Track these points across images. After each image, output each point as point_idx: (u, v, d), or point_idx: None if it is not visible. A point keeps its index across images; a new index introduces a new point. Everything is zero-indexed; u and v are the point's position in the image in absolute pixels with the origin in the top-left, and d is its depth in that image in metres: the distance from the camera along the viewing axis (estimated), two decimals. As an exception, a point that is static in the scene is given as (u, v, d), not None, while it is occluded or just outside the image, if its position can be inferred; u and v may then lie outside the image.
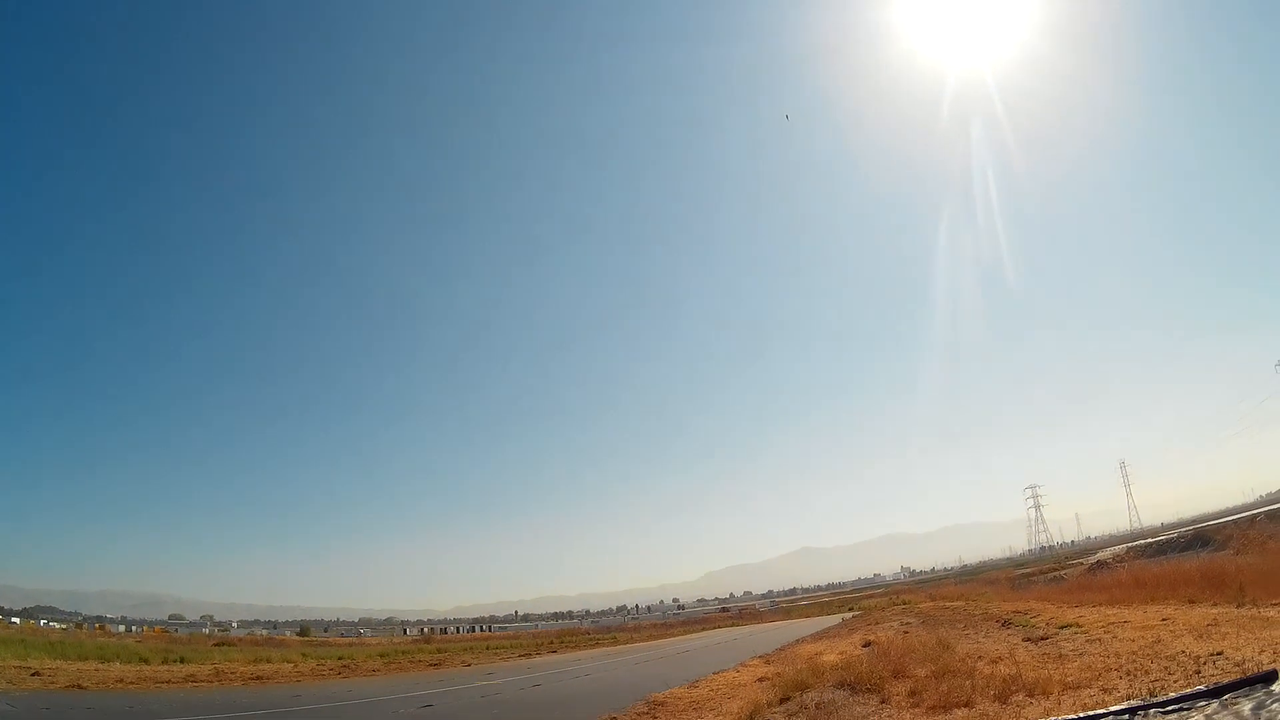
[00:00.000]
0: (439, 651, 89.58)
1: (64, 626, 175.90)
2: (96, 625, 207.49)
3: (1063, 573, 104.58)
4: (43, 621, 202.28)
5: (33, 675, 41.12)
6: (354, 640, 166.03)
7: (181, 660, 61.78)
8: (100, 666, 51.07)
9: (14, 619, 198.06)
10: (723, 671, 36.46)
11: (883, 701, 20.80)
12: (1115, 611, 35.65)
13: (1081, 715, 14.12)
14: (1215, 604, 31.18)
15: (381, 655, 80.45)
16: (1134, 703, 14.02)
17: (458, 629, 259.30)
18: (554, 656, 72.16)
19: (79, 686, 37.82)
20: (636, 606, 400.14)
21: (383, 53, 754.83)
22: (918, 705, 19.22)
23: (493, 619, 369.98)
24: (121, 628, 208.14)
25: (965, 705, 18.03)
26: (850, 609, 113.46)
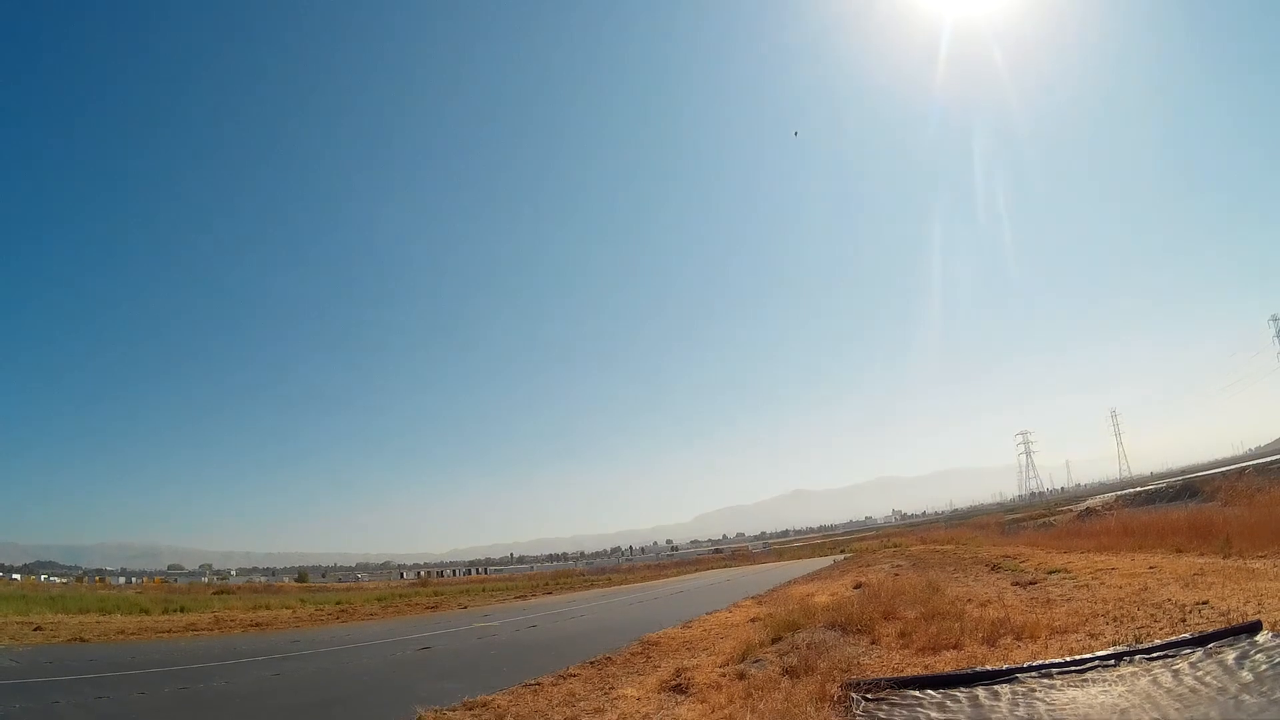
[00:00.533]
0: (435, 595, 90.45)
1: (64, 581, 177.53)
2: (96, 578, 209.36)
3: (1052, 519, 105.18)
4: (43, 576, 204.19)
5: (35, 630, 41.66)
6: (351, 585, 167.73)
7: (182, 610, 62.55)
8: (101, 619, 51.69)
9: (15, 575, 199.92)
10: (715, 612, 36.86)
11: (873, 643, 21.15)
12: (1103, 558, 36.13)
13: (1068, 659, 14.65)
14: (1202, 554, 31.62)
15: (379, 599, 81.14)
16: (1120, 648, 14.54)
17: (454, 572, 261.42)
18: (549, 598, 72.80)
19: (81, 639, 38.33)
20: (630, 548, 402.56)
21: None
22: (907, 647, 19.56)
23: (488, 562, 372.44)
24: (121, 580, 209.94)
25: (954, 647, 18.37)
26: (842, 551, 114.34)
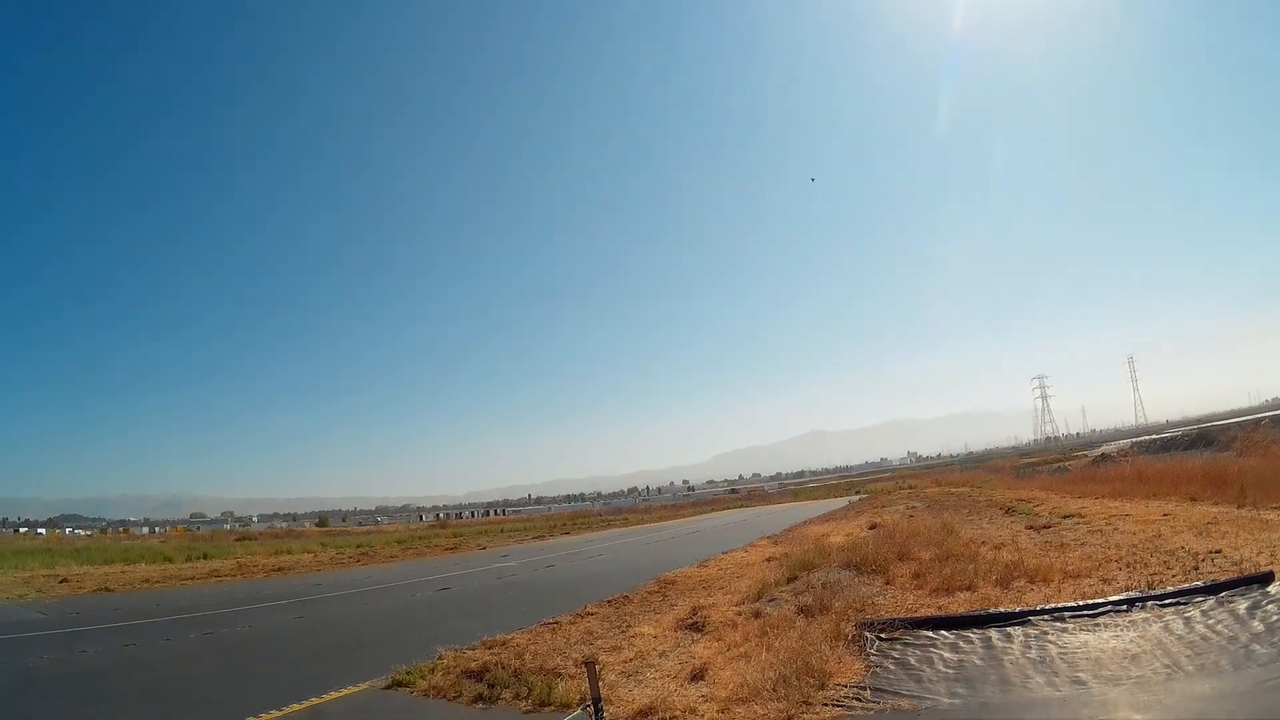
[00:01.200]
0: (454, 536, 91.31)
1: (89, 533, 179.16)
2: (120, 529, 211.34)
3: (1067, 464, 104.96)
4: (68, 530, 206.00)
5: (61, 582, 42.36)
6: (371, 528, 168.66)
7: (205, 557, 63.58)
8: (126, 569, 52.53)
9: (40, 529, 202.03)
10: (731, 551, 37.11)
11: (887, 583, 21.38)
12: (1117, 504, 36.22)
13: (1081, 603, 14.83)
14: (1216, 503, 31.64)
15: (399, 542, 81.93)
16: (1133, 594, 14.74)
17: (472, 514, 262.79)
18: (567, 538, 73.56)
19: (107, 589, 38.96)
20: (647, 488, 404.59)
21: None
22: (921, 587, 19.78)
23: (506, 503, 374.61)
24: (145, 530, 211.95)
25: (967, 589, 18.58)
26: (857, 492, 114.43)
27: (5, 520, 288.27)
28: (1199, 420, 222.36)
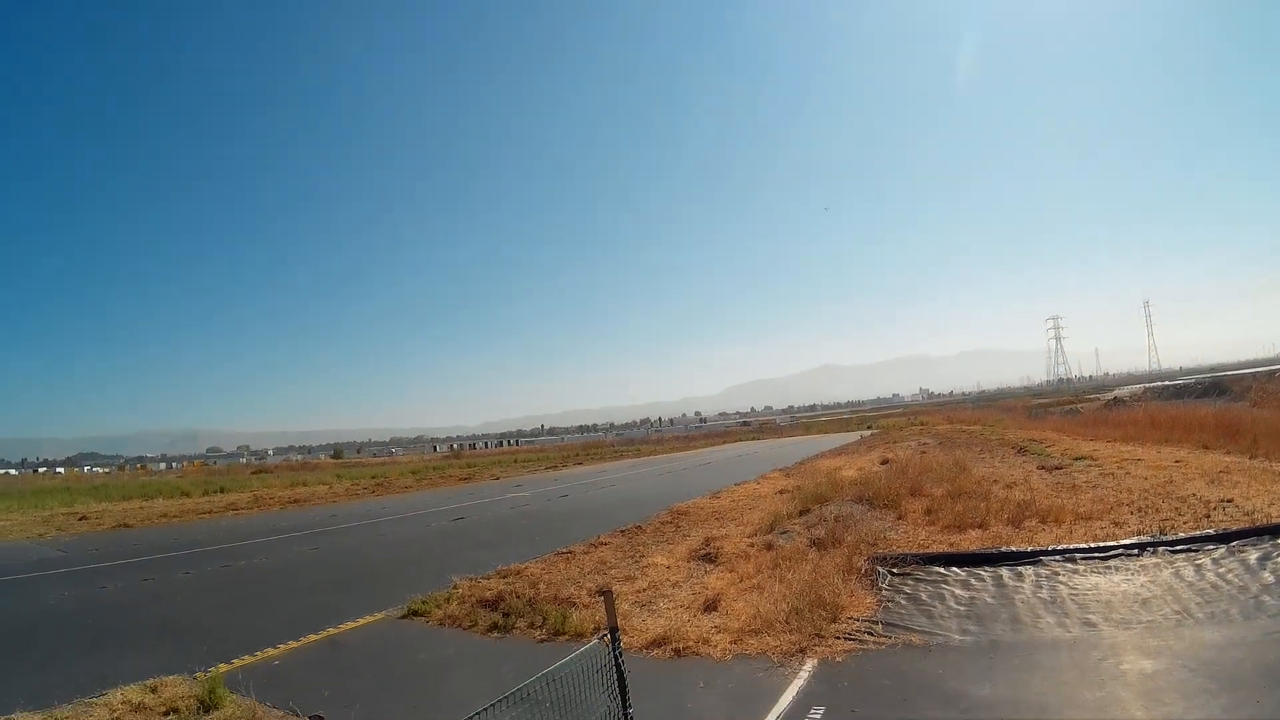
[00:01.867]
0: (468, 466, 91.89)
1: (107, 471, 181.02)
2: (138, 465, 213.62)
3: (1079, 406, 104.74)
4: (86, 468, 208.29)
5: (80, 520, 42.88)
6: (386, 459, 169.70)
7: (221, 490, 64.41)
8: (144, 504, 53.23)
9: (58, 468, 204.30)
10: (743, 483, 37.23)
11: (899, 518, 21.53)
12: (1129, 449, 36.27)
13: (1092, 545, 14.97)
14: (1228, 453, 31.65)
15: (413, 472, 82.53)
16: (1144, 538, 14.86)
17: (486, 444, 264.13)
18: (579, 469, 73.84)
19: (125, 525, 39.43)
20: (659, 420, 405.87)
21: None
22: (934, 524, 19.91)
23: (519, 434, 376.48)
24: (162, 465, 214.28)
25: (979, 526, 18.70)
26: (869, 427, 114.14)
27: (24, 460, 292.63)
28: (1213, 368, 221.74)
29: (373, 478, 74.55)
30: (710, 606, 13.64)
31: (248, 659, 12.88)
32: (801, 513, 23.37)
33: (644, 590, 15.59)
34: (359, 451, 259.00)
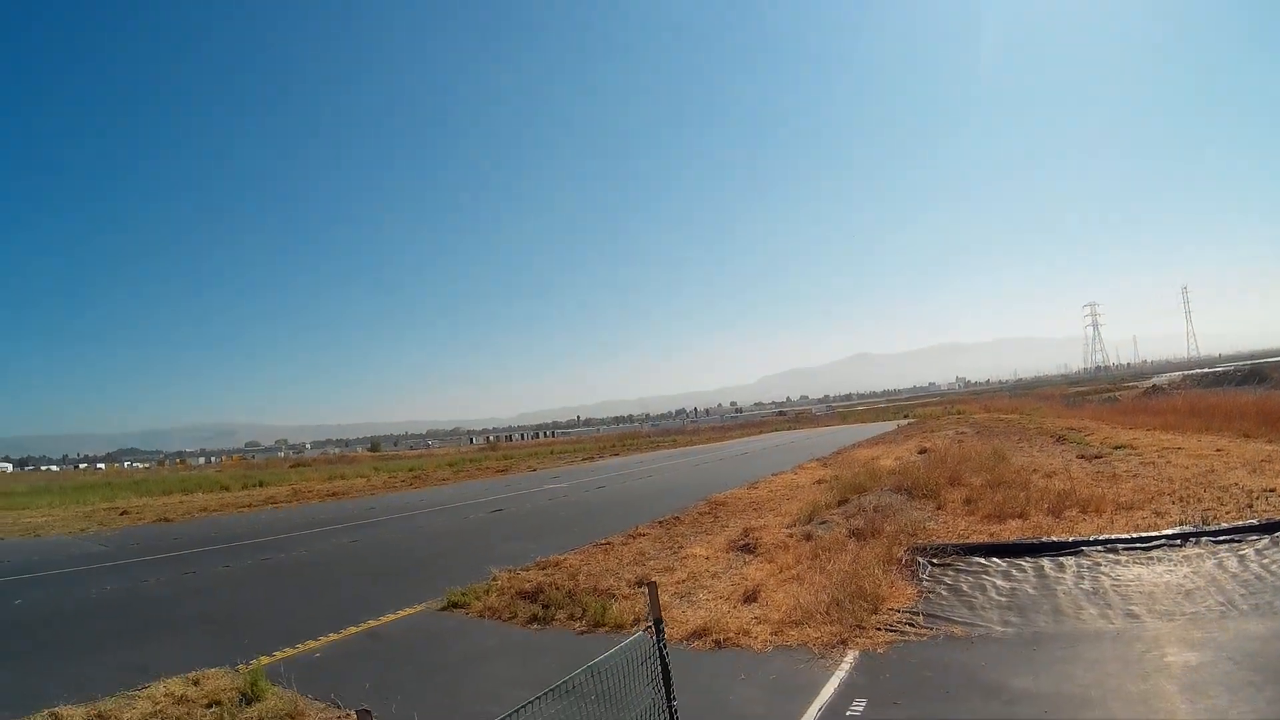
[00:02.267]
0: (505, 458, 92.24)
1: (146, 466, 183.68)
2: (177, 460, 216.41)
3: (1117, 394, 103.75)
4: (126, 463, 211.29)
5: (121, 514, 43.39)
6: (422, 452, 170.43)
7: (260, 484, 64.99)
8: (184, 498, 53.78)
9: (99, 464, 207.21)
10: (781, 473, 37.25)
11: (939, 508, 21.46)
12: (1169, 437, 35.91)
13: (1134, 535, 14.90)
14: (1270, 441, 31.26)
15: (450, 464, 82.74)
16: (1186, 528, 14.78)
17: (522, 436, 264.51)
18: (616, 459, 73.95)
19: (166, 519, 39.85)
20: (695, 410, 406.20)
21: None
22: (973, 513, 19.83)
23: (556, 425, 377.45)
24: (201, 460, 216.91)
25: (1019, 516, 18.62)
26: (905, 416, 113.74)
27: (65, 456, 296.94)
28: (1252, 356, 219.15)
29: (410, 470, 74.87)
30: (750, 597, 13.68)
31: (288, 651, 13.02)
32: (840, 503, 23.34)
33: (683, 581, 15.65)
34: (396, 445, 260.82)
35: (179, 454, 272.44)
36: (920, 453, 38.62)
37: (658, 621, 7.48)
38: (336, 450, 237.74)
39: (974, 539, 16.61)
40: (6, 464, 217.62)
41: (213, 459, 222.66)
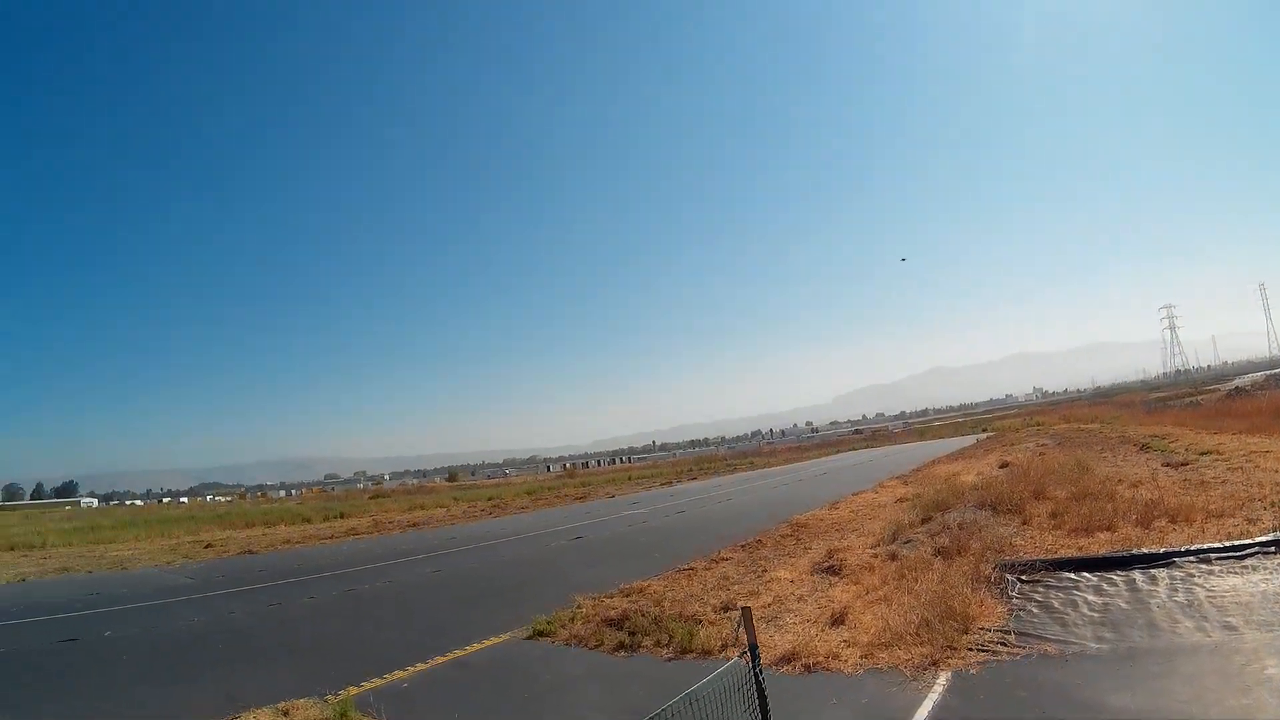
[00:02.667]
0: (583, 485, 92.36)
1: (229, 499, 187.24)
2: (259, 494, 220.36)
3: (1199, 398, 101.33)
4: (209, 497, 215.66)
5: (206, 547, 44.31)
6: (500, 480, 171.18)
7: (341, 516, 65.93)
8: (267, 531, 54.77)
9: (182, 498, 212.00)
10: (861, 493, 37.03)
11: (1024, 523, 21.19)
12: (1256, 440, 35.06)
13: (1227, 544, 14.66)
14: (1362, 441, 30.50)
15: (528, 493, 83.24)
16: (1280, 534, 14.39)
17: (599, 462, 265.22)
18: (694, 483, 73.78)
19: (250, 551, 40.57)
20: (770, 431, 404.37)
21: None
22: (1059, 527, 19.58)
23: (631, 450, 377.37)
24: (282, 493, 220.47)
25: (1107, 529, 18.35)
26: (983, 429, 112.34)
27: (149, 491, 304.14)
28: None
29: (489, 499, 75.47)
30: (838, 620, 13.65)
31: (376, 681, 13.21)
32: (923, 521, 23.20)
33: (769, 605, 15.64)
34: (473, 474, 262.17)
35: (259, 487, 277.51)
36: (1001, 467, 38.18)
37: (753, 647, 7.53)
38: (415, 481, 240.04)
39: (1062, 553, 16.42)
40: (93, 499, 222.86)
41: (293, 491, 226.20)
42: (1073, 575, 14.66)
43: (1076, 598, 13.29)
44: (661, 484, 78.34)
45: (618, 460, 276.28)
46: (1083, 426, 71.43)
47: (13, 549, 46.18)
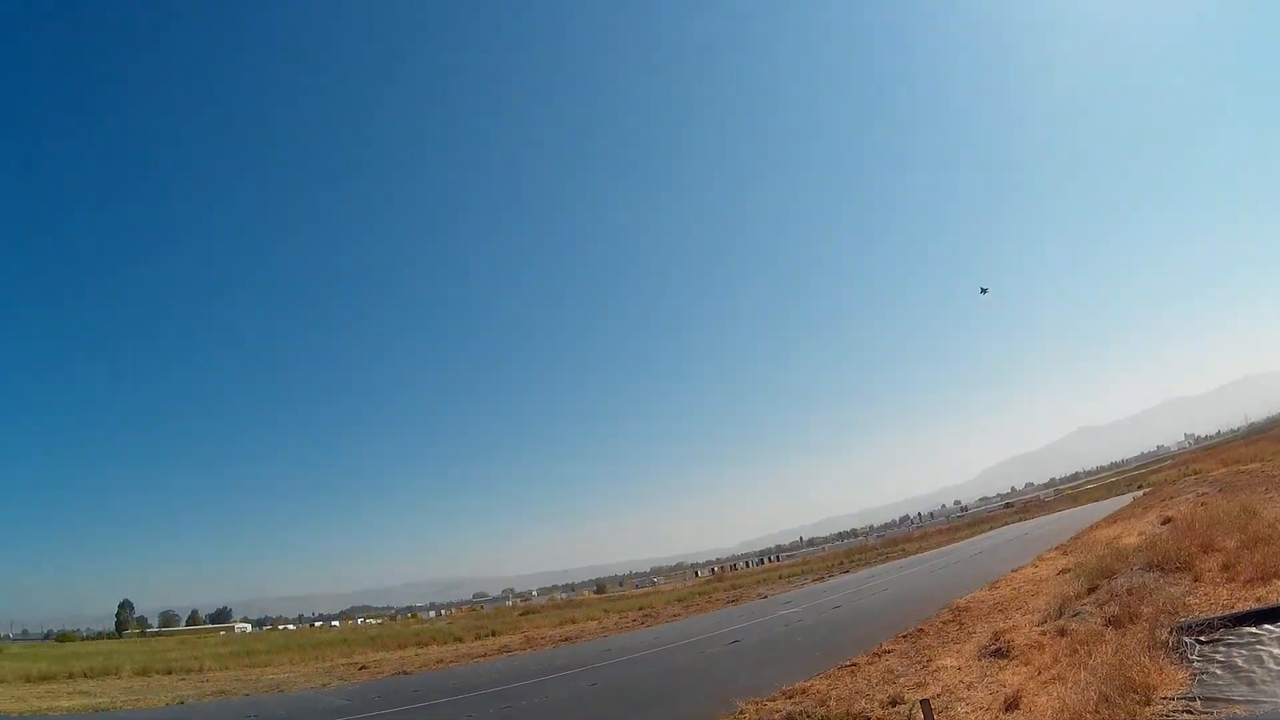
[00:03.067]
0: (734, 588, 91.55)
1: (379, 621, 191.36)
2: (409, 614, 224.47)
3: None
4: (360, 619, 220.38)
5: (360, 669, 44.95)
6: (649, 589, 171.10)
7: (493, 633, 66.46)
8: (420, 651, 55.42)
9: (334, 621, 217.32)
10: (1020, 568, 36.15)
11: (1195, 580, 20.36)
12: None
13: None
14: None
15: (679, 599, 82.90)
16: None
17: (747, 563, 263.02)
18: (847, 576, 72.66)
19: (404, 672, 41.07)
20: (919, 514, 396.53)
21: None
22: (1233, 580, 18.77)
23: (779, 548, 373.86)
24: (431, 613, 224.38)
25: (1284, 575, 17.55)
26: (1139, 486, 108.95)
27: (301, 615, 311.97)
28: None
29: (639, 609, 75.28)
30: (1012, 705, 13.26)
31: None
32: (1089, 590, 22.51)
33: (938, 695, 15.28)
34: (621, 584, 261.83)
35: (409, 608, 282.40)
36: (1164, 523, 36.81)
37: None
38: (563, 595, 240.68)
39: (1240, 607, 15.71)
40: (246, 624, 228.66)
41: (442, 611, 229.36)
42: (1254, 629, 13.99)
43: (1261, 653, 12.67)
44: (814, 580, 77.27)
45: (766, 559, 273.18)
46: (1242, 468, 68.65)
47: (170, 673, 47.38)
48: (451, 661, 44.67)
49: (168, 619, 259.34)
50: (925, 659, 19.26)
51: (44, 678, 44.25)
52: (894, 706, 14.74)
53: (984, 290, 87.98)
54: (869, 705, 15.41)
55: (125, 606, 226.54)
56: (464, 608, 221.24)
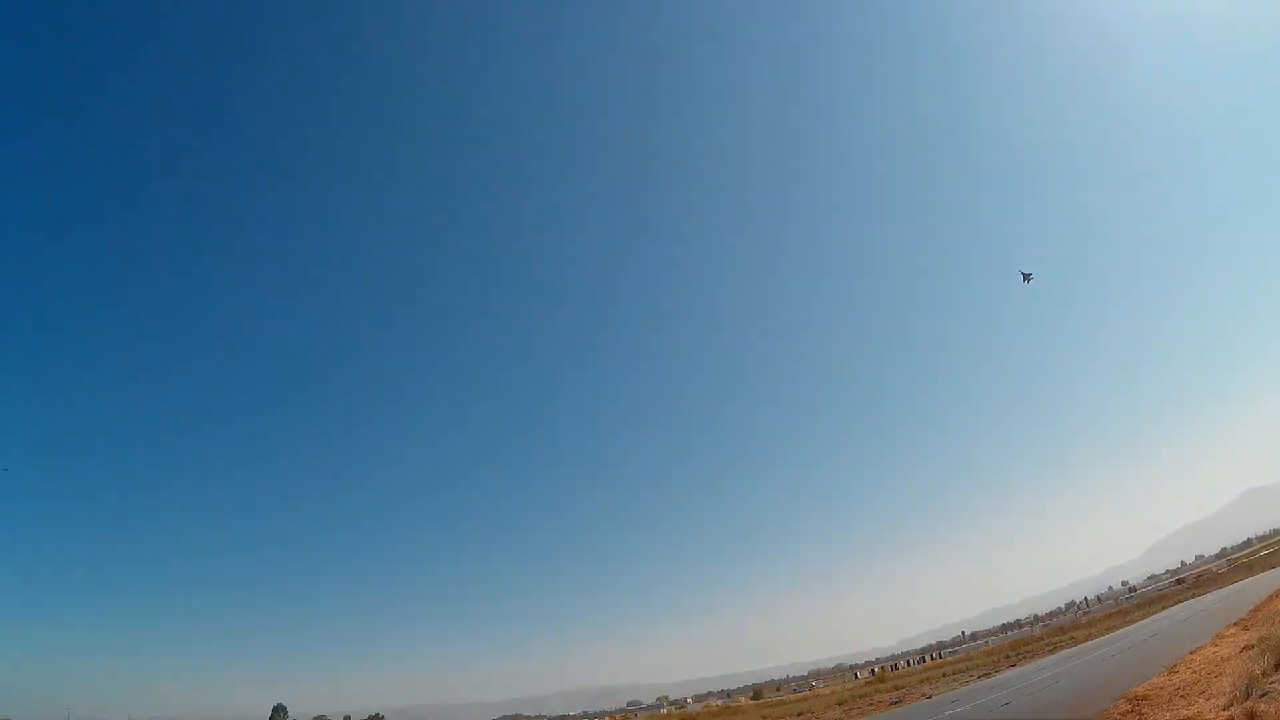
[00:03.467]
0: (895, 688, 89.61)
1: None
2: None
3: None
4: None
5: None
6: (807, 694, 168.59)
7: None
8: None
9: None
10: (1199, 649, 34.52)
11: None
12: None
13: None
14: None
15: (839, 703, 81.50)
16: None
17: (908, 662, 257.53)
18: (1014, 670, 70.29)
19: None
20: (1085, 599, 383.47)
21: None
22: None
23: (940, 645, 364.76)
24: None
25: None
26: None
27: None
28: None
29: (799, 714, 74.25)
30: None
31: None
32: (1276, 667, 21.30)
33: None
34: (778, 689, 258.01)
35: (563, 717, 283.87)
36: (1352, 586, 34.77)
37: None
38: (718, 702, 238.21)
39: None
40: None
41: (596, 718, 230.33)
42: None
43: None
44: (980, 676, 74.99)
45: (927, 657, 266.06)
46: None
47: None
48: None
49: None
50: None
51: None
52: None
53: (1027, 277, 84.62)
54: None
55: (280, 711, 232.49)
56: (618, 716, 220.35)
